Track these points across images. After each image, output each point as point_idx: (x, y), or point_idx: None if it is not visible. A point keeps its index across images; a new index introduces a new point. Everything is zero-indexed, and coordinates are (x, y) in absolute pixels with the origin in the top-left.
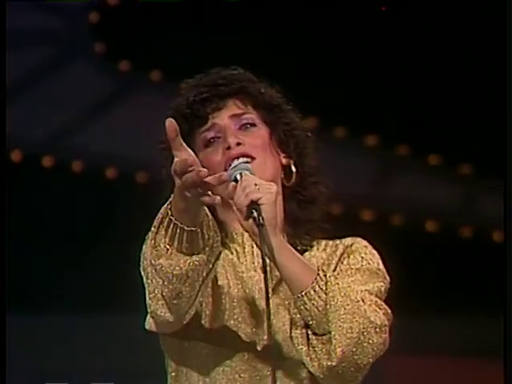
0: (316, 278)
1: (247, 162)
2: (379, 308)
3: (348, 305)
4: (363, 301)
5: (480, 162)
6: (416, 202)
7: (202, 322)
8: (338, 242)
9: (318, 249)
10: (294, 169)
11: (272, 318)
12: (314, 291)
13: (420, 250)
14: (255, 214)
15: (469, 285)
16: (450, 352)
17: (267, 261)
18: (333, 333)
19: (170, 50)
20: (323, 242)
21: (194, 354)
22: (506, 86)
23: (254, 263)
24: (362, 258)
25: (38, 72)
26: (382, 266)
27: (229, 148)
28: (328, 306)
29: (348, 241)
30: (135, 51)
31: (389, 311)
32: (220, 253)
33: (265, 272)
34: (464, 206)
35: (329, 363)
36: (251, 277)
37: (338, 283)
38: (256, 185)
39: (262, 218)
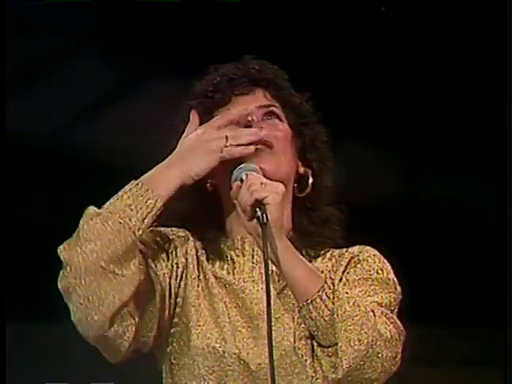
0: (323, 286)
1: (254, 168)
2: (390, 321)
3: (357, 315)
4: (373, 312)
5: None
6: (448, 203)
7: (196, 342)
8: (344, 250)
9: (322, 258)
10: (311, 179)
11: (274, 329)
12: (321, 299)
13: (452, 253)
14: (259, 212)
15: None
16: (448, 362)
17: (270, 265)
18: (339, 344)
19: (183, 43)
20: (329, 252)
21: (190, 374)
22: None
23: (253, 275)
24: (371, 267)
25: (42, 63)
26: (392, 276)
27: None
28: (335, 316)
29: (355, 249)
30: (145, 43)
31: (400, 326)
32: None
33: (266, 273)
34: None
35: (334, 376)
36: (251, 291)
37: (346, 292)
38: (262, 184)
39: (267, 217)
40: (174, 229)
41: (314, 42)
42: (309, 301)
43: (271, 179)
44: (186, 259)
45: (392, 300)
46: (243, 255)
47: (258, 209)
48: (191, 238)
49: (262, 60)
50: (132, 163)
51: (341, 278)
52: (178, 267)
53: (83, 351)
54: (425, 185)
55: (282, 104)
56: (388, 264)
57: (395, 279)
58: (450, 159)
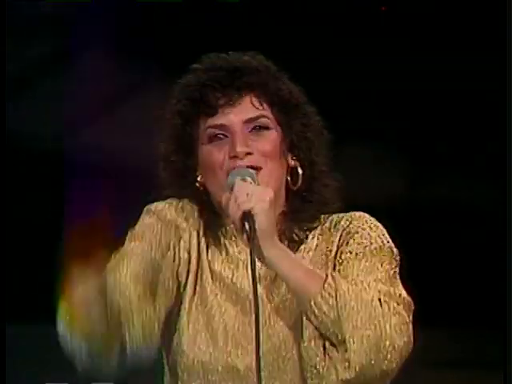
0: (324, 286)
1: (248, 173)
2: (397, 302)
3: (362, 310)
4: (379, 301)
5: None
6: (448, 203)
7: (185, 349)
8: (334, 221)
9: (313, 236)
10: (300, 171)
11: (276, 331)
12: (323, 299)
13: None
14: (246, 226)
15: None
16: (448, 363)
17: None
18: (349, 342)
19: (183, 43)
20: (318, 229)
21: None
22: None
23: (247, 270)
24: (364, 238)
25: (42, 64)
26: (386, 240)
27: (235, 156)
28: (341, 314)
29: (345, 221)
30: (146, 43)
31: (406, 298)
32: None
33: (255, 297)
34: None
35: (347, 376)
36: (245, 288)
37: (348, 287)
38: (248, 194)
39: (255, 230)
40: (175, 218)
41: (314, 41)
42: (312, 302)
43: (266, 185)
44: (189, 254)
45: (393, 267)
46: (236, 245)
47: (246, 222)
48: (195, 225)
49: (251, 53)
50: (132, 163)
51: (335, 256)
52: (181, 266)
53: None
54: (424, 185)
55: (269, 103)
56: (380, 227)
57: (390, 242)
58: (450, 159)
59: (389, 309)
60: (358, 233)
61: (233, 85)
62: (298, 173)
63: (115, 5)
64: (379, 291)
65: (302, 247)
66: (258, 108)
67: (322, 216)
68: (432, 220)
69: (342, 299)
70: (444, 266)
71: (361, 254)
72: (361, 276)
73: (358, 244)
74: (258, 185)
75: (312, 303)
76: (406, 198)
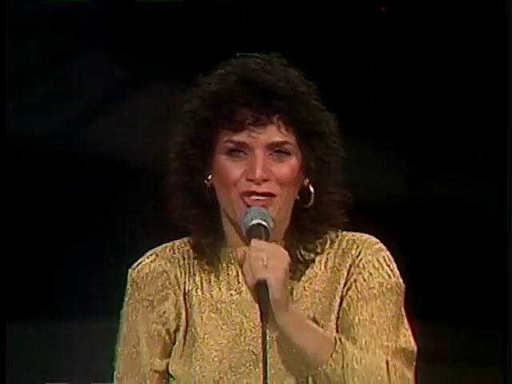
0: (332, 355)
1: (264, 203)
2: (403, 359)
3: (369, 378)
4: (386, 364)
5: None
6: (449, 202)
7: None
8: (343, 246)
9: (319, 264)
10: (312, 190)
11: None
12: (330, 368)
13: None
14: (261, 309)
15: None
16: (448, 360)
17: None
18: None
19: (183, 43)
20: (325, 254)
21: None
22: None
23: (245, 295)
24: (373, 277)
25: (42, 63)
26: (393, 275)
27: (252, 180)
28: (347, 379)
29: (355, 250)
30: (145, 43)
31: (411, 349)
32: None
33: (264, 368)
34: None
35: None
36: (245, 315)
37: (355, 353)
38: (263, 260)
39: (269, 299)
40: (162, 268)
41: (314, 41)
42: (319, 369)
43: (277, 211)
44: (178, 310)
45: (400, 306)
46: (235, 268)
47: (260, 291)
48: (177, 263)
49: (285, 66)
50: (132, 163)
51: (342, 290)
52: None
53: (84, 351)
54: (424, 185)
55: (294, 131)
56: (387, 258)
57: (397, 275)
58: (450, 159)
59: (395, 371)
60: (366, 269)
61: (263, 106)
62: (309, 192)
63: (115, 5)
64: (387, 347)
65: (308, 274)
66: (283, 134)
67: (328, 235)
68: (432, 220)
69: (349, 370)
70: (444, 265)
71: (368, 296)
72: (368, 322)
73: (367, 283)
74: (271, 225)
75: (319, 371)
76: (405, 198)
